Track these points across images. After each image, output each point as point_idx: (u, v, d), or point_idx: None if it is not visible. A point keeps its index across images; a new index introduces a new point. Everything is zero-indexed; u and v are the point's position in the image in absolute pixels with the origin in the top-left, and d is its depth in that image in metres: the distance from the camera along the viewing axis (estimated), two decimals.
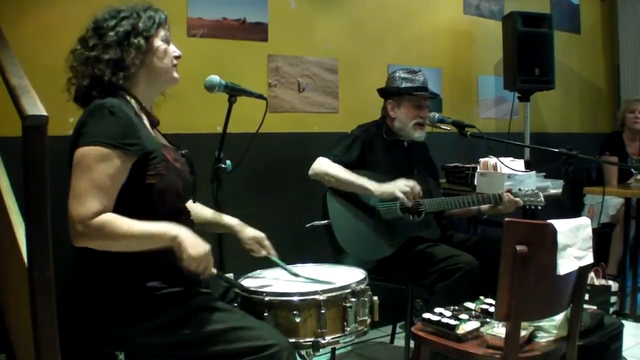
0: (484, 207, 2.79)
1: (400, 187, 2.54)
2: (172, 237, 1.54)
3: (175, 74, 1.76)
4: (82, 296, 1.61)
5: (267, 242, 1.96)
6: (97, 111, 1.55)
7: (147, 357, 1.63)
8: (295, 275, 1.89)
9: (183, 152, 1.79)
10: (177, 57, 1.77)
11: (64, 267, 1.59)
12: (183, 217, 1.75)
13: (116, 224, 1.48)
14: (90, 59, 1.63)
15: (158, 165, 1.61)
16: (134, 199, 1.58)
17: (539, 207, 2.74)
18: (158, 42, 1.71)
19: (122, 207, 1.54)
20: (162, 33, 1.72)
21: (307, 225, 2.58)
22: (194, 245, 1.55)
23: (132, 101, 1.68)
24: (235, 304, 1.77)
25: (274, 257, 1.96)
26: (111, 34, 1.64)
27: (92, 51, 1.64)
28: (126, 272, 1.58)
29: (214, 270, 1.65)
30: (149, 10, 1.72)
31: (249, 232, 1.96)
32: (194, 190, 1.80)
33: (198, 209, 1.93)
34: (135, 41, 1.65)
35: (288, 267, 1.95)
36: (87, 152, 1.51)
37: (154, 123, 1.76)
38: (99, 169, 1.49)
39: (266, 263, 1.99)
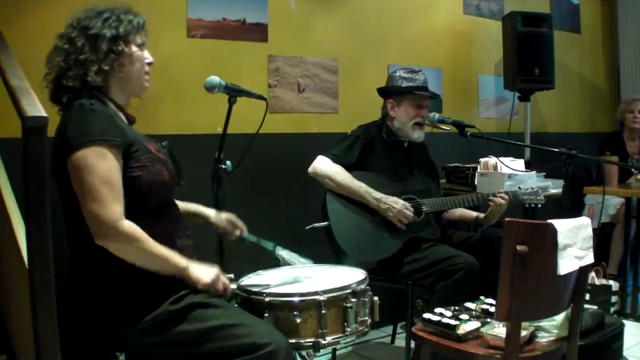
0: (482, 216, 2.78)
1: (395, 212, 2.55)
2: (183, 268, 1.61)
3: (146, 83, 1.77)
4: (80, 297, 1.61)
5: (239, 223, 1.97)
6: (79, 112, 1.57)
7: (145, 356, 1.64)
8: (282, 258, 1.93)
9: (163, 143, 1.80)
10: (149, 64, 1.76)
11: (64, 268, 1.60)
12: (172, 210, 1.75)
13: (146, 239, 1.54)
14: (80, 61, 1.63)
15: (142, 157, 1.62)
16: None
17: (539, 205, 2.73)
18: (134, 48, 1.71)
19: None
20: (138, 38, 1.73)
21: (307, 228, 2.58)
22: (204, 273, 1.62)
23: (108, 101, 1.69)
24: (236, 304, 1.78)
25: (247, 235, 1.97)
26: (101, 40, 1.63)
27: (81, 54, 1.63)
28: (123, 272, 1.58)
29: (234, 286, 1.72)
30: (129, 14, 1.72)
31: (222, 215, 1.96)
32: (179, 178, 1.79)
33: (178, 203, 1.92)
34: (120, 48, 1.66)
35: (264, 242, 1.97)
36: (83, 154, 1.52)
37: (131, 121, 1.78)
38: (101, 166, 1.51)
39: (266, 264, 1.99)
